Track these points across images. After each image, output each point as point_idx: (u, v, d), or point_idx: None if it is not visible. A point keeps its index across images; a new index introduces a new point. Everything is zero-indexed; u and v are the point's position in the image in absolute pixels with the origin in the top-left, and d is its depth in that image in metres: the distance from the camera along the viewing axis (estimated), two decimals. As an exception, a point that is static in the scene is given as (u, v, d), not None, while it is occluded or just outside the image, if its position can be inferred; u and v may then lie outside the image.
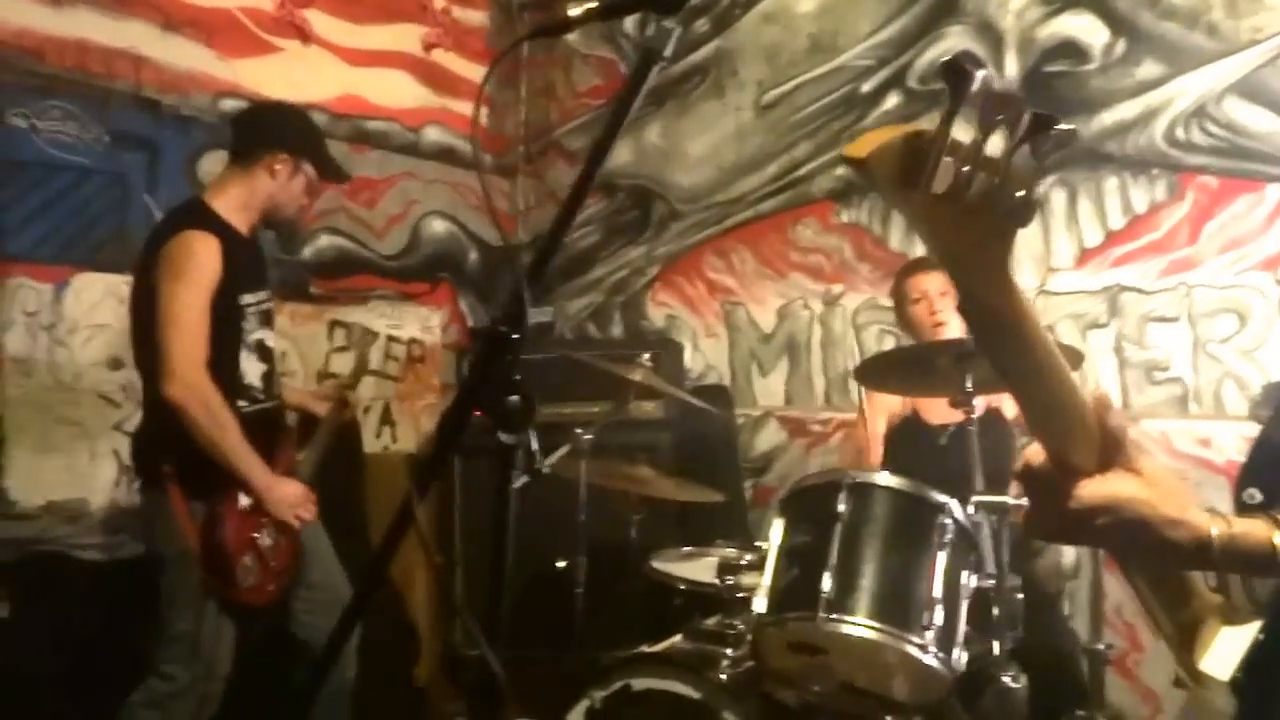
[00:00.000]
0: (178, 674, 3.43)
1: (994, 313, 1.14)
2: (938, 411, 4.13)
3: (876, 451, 4.28)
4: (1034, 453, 1.22)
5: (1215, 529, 1.16)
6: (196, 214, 3.49)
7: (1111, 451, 1.17)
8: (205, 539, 3.39)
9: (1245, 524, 1.17)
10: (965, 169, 1.03)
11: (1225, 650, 1.41)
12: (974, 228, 1.07)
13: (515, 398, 1.56)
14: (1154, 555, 1.25)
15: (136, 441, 3.63)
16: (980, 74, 1.02)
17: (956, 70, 1.02)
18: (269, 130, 3.61)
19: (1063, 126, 1.05)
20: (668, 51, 1.53)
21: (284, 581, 3.58)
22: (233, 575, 3.43)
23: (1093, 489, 1.16)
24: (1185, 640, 1.42)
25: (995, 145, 1.03)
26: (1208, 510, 1.18)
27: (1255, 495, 1.38)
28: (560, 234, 1.60)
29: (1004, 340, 1.16)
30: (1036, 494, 1.23)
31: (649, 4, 1.56)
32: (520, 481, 1.58)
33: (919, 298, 4.14)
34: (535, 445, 1.60)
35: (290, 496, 3.57)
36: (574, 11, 1.55)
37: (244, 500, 3.47)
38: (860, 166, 1.09)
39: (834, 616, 2.73)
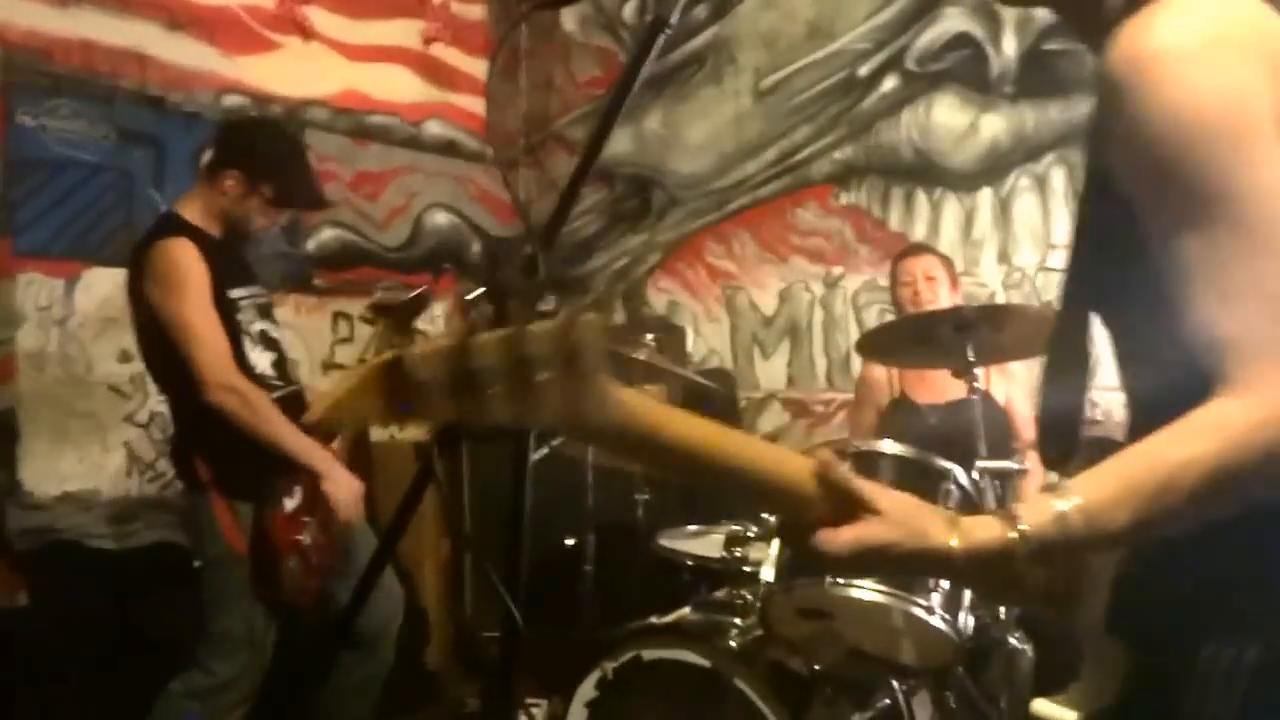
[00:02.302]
0: (220, 670, 3.46)
1: (625, 438, 1.10)
2: (926, 391, 4.23)
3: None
4: (777, 520, 1.24)
5: (952, 542, 1.13)
6: (169, 223, 3.54)
7: (845, 505, 1.14)
8: (252, 543, 3.43)
9: (982, 528, 1.14)
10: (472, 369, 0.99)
11: None
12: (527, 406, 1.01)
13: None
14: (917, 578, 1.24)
15: (174, 448, 3.65)
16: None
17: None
18: (228, 148, 3.64)
19: None
20: (674, 19, 1.55)
21: (326, 578, 3.59)
22: (279, 578, 3.46)
23: (838, 538, 1.12)
24: None
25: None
26: (950, 522, 1.15)
27: (1051, 451, 1.42)
28: (577, 187, 1.66)
29: (655, 455, 1.13)
30: (795, 551, 1.24)
31: None
32: (540, 453, 1.62)
33: (908, 281, 4.27)
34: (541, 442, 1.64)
35: (350, 483, 3.60)
36: None
37: (289, 503, 3.50)
38: (332, 419, 1.01)
39: (842, 580, 2.68)
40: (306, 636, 3.60)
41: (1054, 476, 1.33)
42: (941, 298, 4.24)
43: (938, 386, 4.18)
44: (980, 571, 1.15)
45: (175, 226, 3.49)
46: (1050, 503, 1.12)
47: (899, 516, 1.14)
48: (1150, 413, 1.20)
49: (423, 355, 0.98)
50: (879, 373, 4.38)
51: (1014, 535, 1.11)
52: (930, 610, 2.67)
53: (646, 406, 1.10)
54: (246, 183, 3.55)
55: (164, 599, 3.68)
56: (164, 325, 3.37)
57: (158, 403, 4.12)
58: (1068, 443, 1.40)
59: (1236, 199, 1.14)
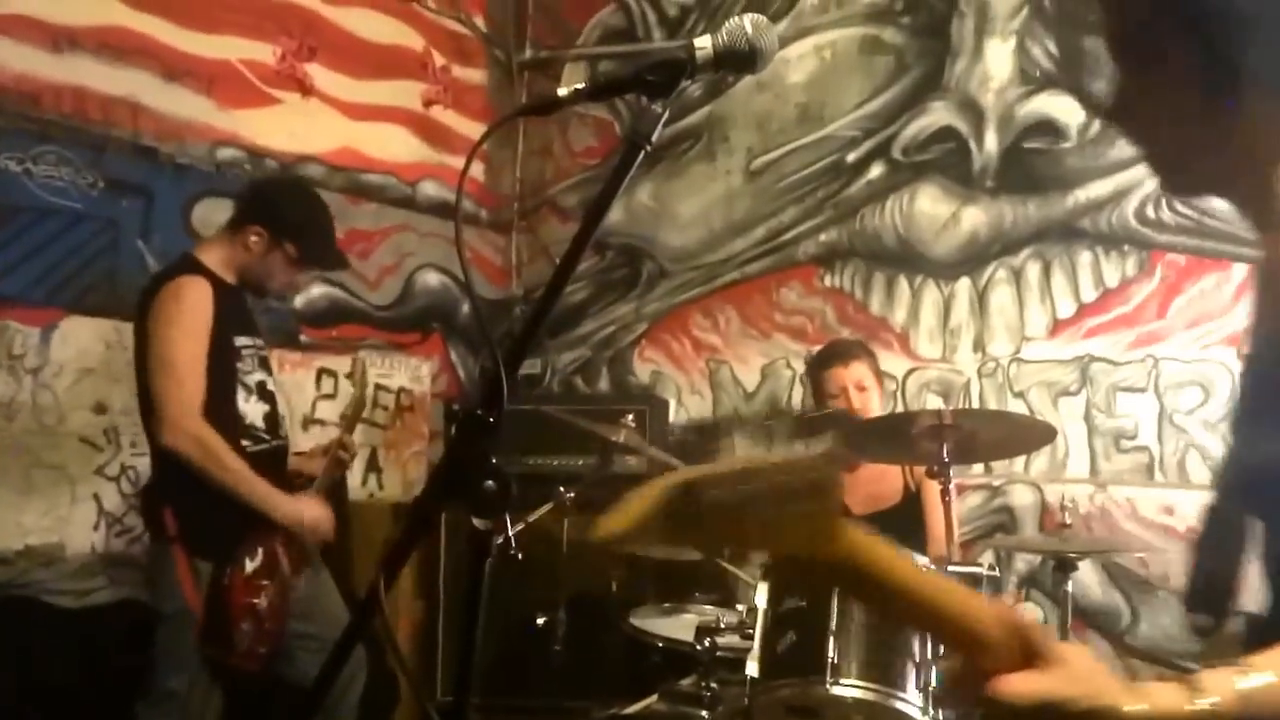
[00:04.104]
0: None
1: (848, 572, 1.09)
2: (859, 499, 3.99)
3: None
4: (952, 663, 1.14)
5: (1137, 708, 1.05)
6: (187, 263, 3.34)
7: (1029, 651, 1.07)
8: (208, 604, 3.20)
9: (1165, 695, 1.05)
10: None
11: None
12: (773, 520, 1.03)
13: (490, 483, 1.42)
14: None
15: (144, 496, 3.47)
16: None
17: None
18: (256, 204, 3.44)
19: None
20: (654, 137, 1.45)
21: (276, 643, 3.35)
22: (230, 640, 3.23)
23: (1017, 688, 1.05)
24: None
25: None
26: (1129, 687, 1.07)
27: (1201, 620, 1.33)
28: (535, 327, 1.50)
29: (869, 589, 1.12)
30: (968, 700, 1.12)
31: (637, 87, 1.47)
32: (516, 529, 1.47)
33: (837, 394, 4.05)
34: (510, 529, 1.44)
35: (316, 514, 3.41)
36: (563, 92, 1.50)
37: (249, 565, 3.28)
38: (624, 539, 1.02)
39: (840, 681, 2.68)
40: (251, 702, 3.36)
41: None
42: (873, 406, 4.00)
43: (873, 495, 3.97)
44: None
45: (192, 266, 3.29)
46: (1233, 679, 1.05)
47: (1080, 673, 1.06)
48: None
49: (711, 478, 1.00)
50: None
51: (1203, 707, 1.04)
52: (920, 708, 2.66)
53: (868, 544, 1.09)
54: (271, 240, 3.37)
55: (123, 660, 3.33)
56: (149, 355, 3.17)
57: (130, 456, 3.85)
58: (1220, 608, 1.31)
59: None
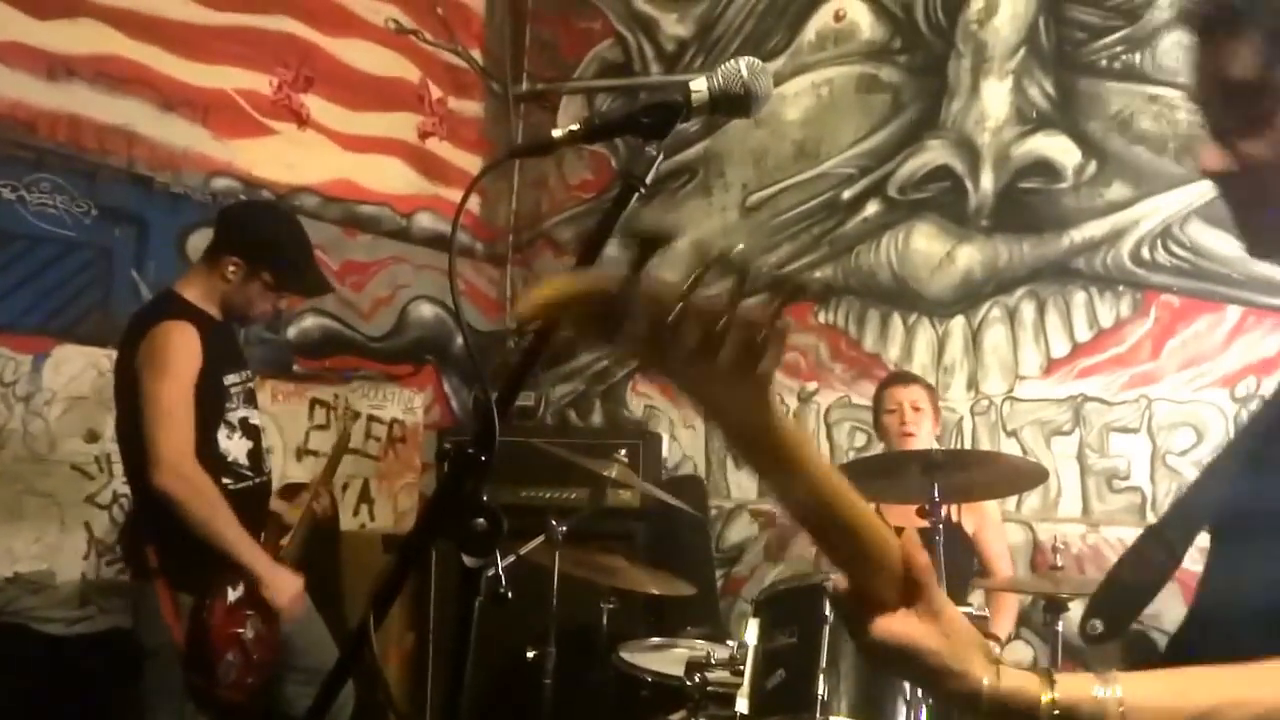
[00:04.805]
0: None
1: (759, 440, 1.05)
2: (895, 518, 3.94)
3: None
4: (840, 578, 1.14)
5: (986, 680, 1.07)
6: (172, 304, 3.28)
7: (913, 590, 1.09)
8: (190, 634, 3.15)
9: (1018, 679, 1.07)
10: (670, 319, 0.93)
11: None
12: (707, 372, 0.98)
13: (480, 520, 1.40)
14: (935, 698, 1.08)
15: (125, 532, 3.45)
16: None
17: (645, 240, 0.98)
18: (231, 233, 3.38)
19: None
20: (649, 179, 1.44)
21: (264, 674, 3.30)
22: (214, 672, 3.18)
23: (888, 627, 1.09)
24: None
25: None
26: (991, 661, 1.08)
27: (1097, 626, 1.31)
28: (528, 367, 1.51)
29: (783, 469, 1.06)
30: (843, 617, 1.16)
31: (632, 129, 1.47)
32: (507, 561, 1.45)
33: (894, 409, 4.08)
34: (500, 566, 1.44)
35: (288, 587, 3.32)
36: (558, 133, 1.49)
37: (231, 595, 3.23)
38: (542, 311, 0.97)
39: (831, 718, 2.66)
40: None
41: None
42: (925, 429, 4.03)
43: (909, 515, 3.88)
44: (998, 717, 1.08)
45: (179, 309, 3.24)
46: (1092, 685, 1.05)
47: (951, 630, 1.09)
48: (1217, 632, 1.17)
49: (644, 287, 0.93)
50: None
51: (1047, 698, 1.04)
52: None
53: (793, 424, 1.07)
54: (247, 268, 3.31)
55: (110, 688, 3.29)
56: (140, 400, 3.11)
57: (122, 484, 3.79)
58: (1119, 625, 1.31)
59: None
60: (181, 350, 3.16)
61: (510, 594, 1.50)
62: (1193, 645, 1.18)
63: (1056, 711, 1.04)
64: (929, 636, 1.08)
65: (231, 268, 3.30)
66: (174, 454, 3.08)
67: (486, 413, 1.40)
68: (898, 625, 1.08)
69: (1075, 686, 1.05)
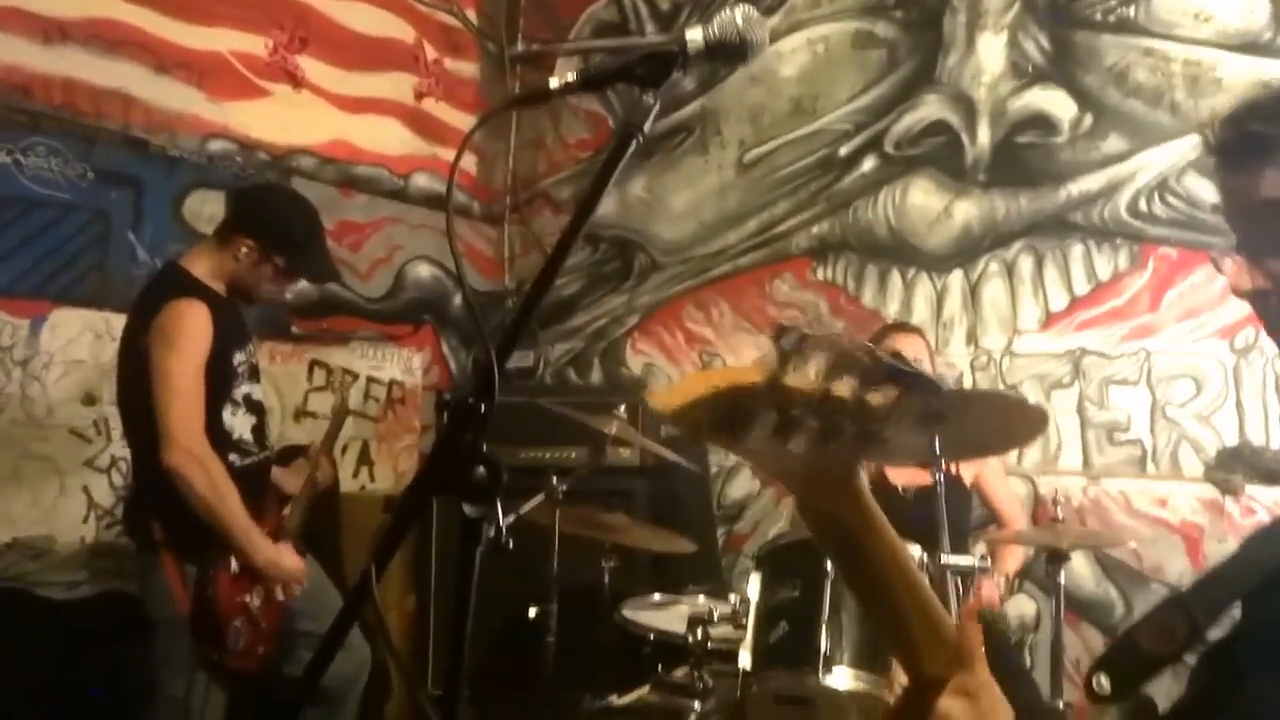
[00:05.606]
0: None
1: (841, 530, 1.09)
2: (902, 473, 3.97)
3: None
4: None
5: None
6: (181, 281, 3.27)
7: (956, 661, 1.07)
8: (196, 604, 3.17)
9: None
10: (794, 413, 0.97)
11: None
12: (809, 464, 1.02)
13: (481, 470, 1.39)
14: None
15: (128, 505, 3.43)
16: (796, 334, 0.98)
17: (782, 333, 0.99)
18: (248, 215, 3.39)
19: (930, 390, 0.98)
20: (647, 127, 1.43)
21: (273, 643, 3.32)
22: (223, 640, 3.20)
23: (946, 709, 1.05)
24: None
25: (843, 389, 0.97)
26: None
27: (1104, 684, 1.29)
28: (533, 306, 1.46)
29: (851, 555, 1.11)
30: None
31: (628, 78, 1.46)
32: (508, 520, 1.43)
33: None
34: (501, 517, 1.41)
35: (291, 568, 3.35)
36: (554, 83, 1.49)
37: (235, 564, 3.24)
38: (672, 418, 1.03)
39: (832, 671, 2.70)
40: (254, 703, 3.32)
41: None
42: None
43: (914, 472, 3.90)
44: None
45: (189, 286, 3.24)
46: None
47: (984, 705, 1.05)
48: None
49: (772, 388, 0.96)
50: None
51: None
52: None
53: (880, 514, 1.10)
54: (260, 251, 3.31)
55: (111, 652, 3.31)
56: (153, 379, 3.10)
57: (121, 448, 3.81)
58: (1127, 689, 1.29)
59: None
60: (194, 330, 3.16)
61: (511, 543, 1.50)
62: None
63: None
64: (960, 712, 1.05)
65: (244, 249, 3.30)
66: (186, 434, 3.09)
67: (486, 363, 1.39)
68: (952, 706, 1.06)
69: None
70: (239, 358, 3.33)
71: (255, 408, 3.41)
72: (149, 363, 3.12)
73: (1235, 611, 1.24)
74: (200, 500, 3.09)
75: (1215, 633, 1.24)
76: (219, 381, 3.23)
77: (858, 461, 1.05)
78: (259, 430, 3.41)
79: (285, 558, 3.32)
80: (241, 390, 3.34)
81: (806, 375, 0.96)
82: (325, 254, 3.57)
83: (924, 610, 1.11)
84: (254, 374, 3.43)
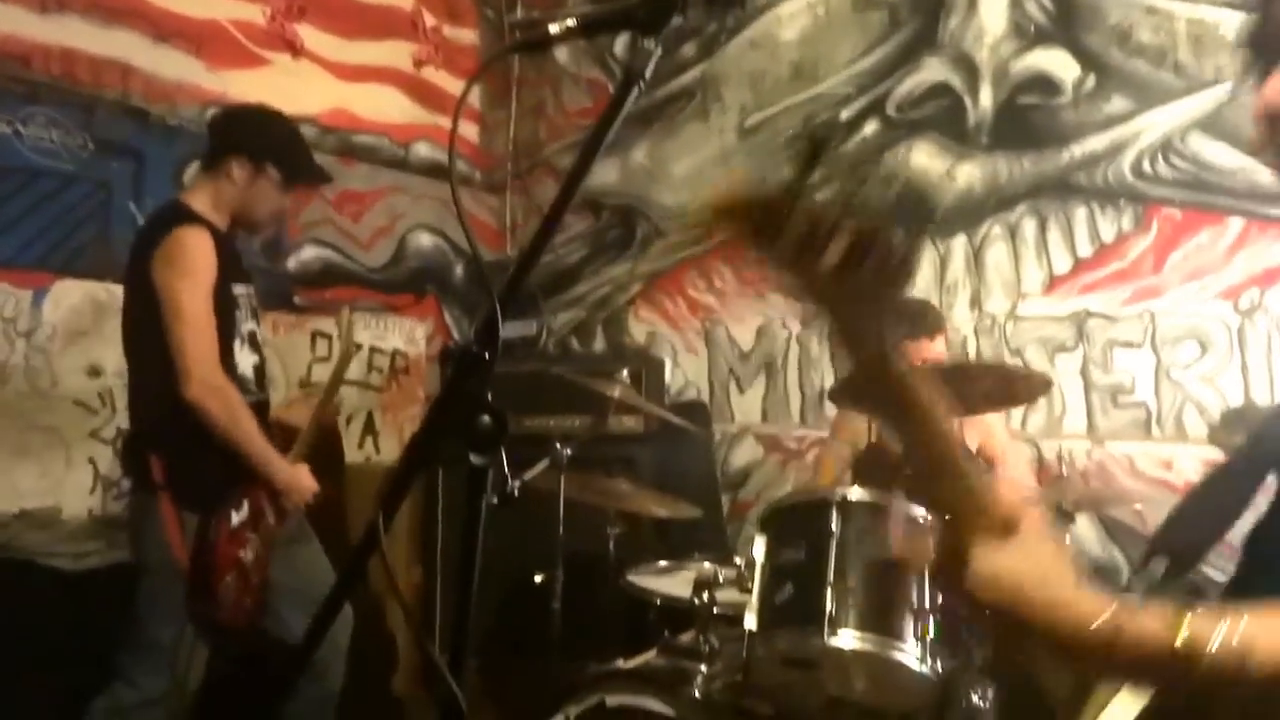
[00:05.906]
0: (147, 684, 3.18)
1: (879, 365, 1.09)
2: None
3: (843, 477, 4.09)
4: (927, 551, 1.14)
5: (1105, 615, 1.00)
6: (183, 212, 3.26)
7: (1009, 529, 1.06)
8: (194, 555, 3.16)
9: (1143, 617, 0.99)
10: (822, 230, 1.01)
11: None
12: (846, 287, 1.03)
13: (486, 418, 1.40)
14: (1033, 640, 1.07)
15: (127, 444, 3.40)
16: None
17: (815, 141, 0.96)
18: (227, 134, 3.38)
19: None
20: (648, 73, 1.44)
21: (260, 598, 3.31)
22: (215, 593, 3.19)
23: (979, 563, 1.04)
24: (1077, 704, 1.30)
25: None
26: (1105, 596, 1.02)
27: (1159, 567, 1.29)
28: (537, 253, 1.47)
29: (898, 395, 1.09)
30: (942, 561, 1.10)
31: (629, 23, 1.46)
32: (514, 486, 1.43)
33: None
34: (506, 467, 1.44)
35: (310, 487, 3.39)
36: (554, 28, 1.47)
37: (235, 517, 3.24)
38: (714, 217, 1.06)
39: (838, 632, 2.68)
40: (239, 657, 3.35)
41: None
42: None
43: None
44: (1117, 661, 1.01)
45: (189, 216, 3.22)
46: (1219, 622, 0.98)
47: (1044, 556, 1.04)
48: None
49: (804, 209, 1.00)
50: (859, 418, 4.07)
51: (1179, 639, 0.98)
52: (917, 657, 2.67)
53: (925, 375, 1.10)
54: (253, 165, 3.30)
55: (115, 623, 3.31)
56: (163, 309, 3.09)
57: (125, 418, 3.76)
58: (1187, 562, 1.28)
59: None
60: (200, 255, 3.15)
61: (517, 493, 1.51)
62: (1253, 586, 1.16)
63: (1188, 653, 0.98)
64: (1020, 561, 1.04)
65: (236, 168, 3.28)
66: (203, 365, 3.09)
67: (489, 312, 1.39)
68: (986, 558, 1.04)
69: (1205, 623, 0.99)
70: (240, 290, 3.32)
71: (256, 346, 3.41)
72: (157, 292, 3.11)
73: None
74: (221, 429, 3.10)
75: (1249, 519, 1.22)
76: (224, 312, 3.23)
77: (889, 296, 1.04)
78: (260, 370, 3.41)
79: (303, 478, 3.36)
80: (246, 326, 3.34)
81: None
82: (311, 157, 3.55)
83: (966, 470, 1.09)
84: (254, 313, 3.43)
